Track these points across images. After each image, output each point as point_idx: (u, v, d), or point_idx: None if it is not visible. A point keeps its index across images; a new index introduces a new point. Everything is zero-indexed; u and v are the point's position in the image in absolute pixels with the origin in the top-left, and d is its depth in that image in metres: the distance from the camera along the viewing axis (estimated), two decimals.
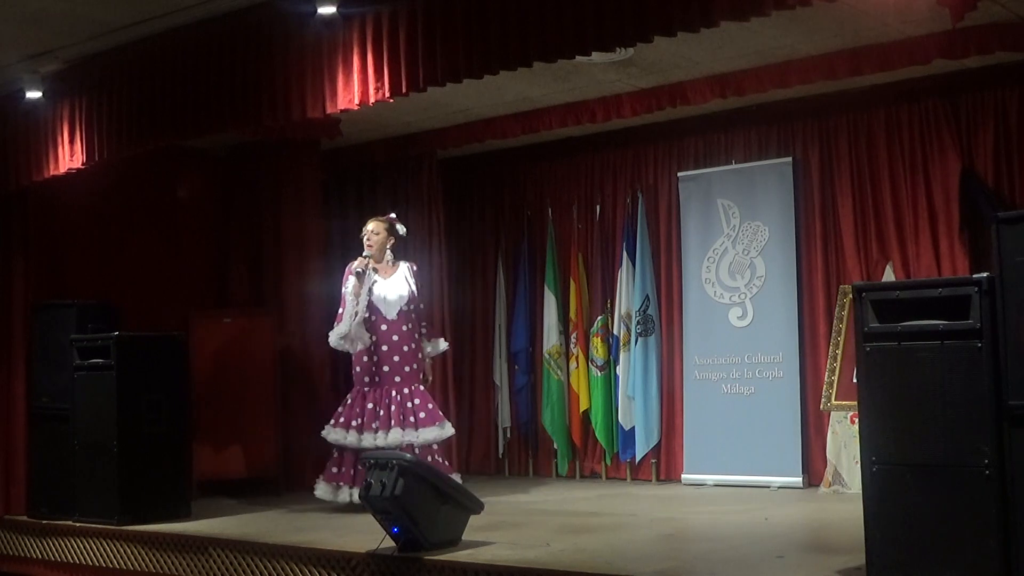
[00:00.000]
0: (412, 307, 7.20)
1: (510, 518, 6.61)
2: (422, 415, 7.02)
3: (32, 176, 7.30)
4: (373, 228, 7.27)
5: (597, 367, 8.76)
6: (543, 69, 6.71)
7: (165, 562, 6.44)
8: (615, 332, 8.71)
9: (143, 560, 6.57)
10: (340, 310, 7.12)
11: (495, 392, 9.46)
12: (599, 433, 8.72)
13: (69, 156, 7.02)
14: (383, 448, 6.73)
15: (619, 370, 8.64)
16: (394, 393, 7.01)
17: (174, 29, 6.41)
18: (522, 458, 9.35)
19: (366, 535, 5.70)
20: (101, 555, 6.84)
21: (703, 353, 8.33)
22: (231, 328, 8.43)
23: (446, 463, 7.26)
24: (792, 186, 8.06)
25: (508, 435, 9.41)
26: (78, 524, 7.02)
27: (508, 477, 9.26)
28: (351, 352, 7.16)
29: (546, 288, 9.13)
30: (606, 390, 8.72)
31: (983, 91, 7.33)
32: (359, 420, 6.99)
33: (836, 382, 7.55)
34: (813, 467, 7.76)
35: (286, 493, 8.19)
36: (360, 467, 6.62)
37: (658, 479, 8.52)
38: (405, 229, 7.46)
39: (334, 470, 7.07)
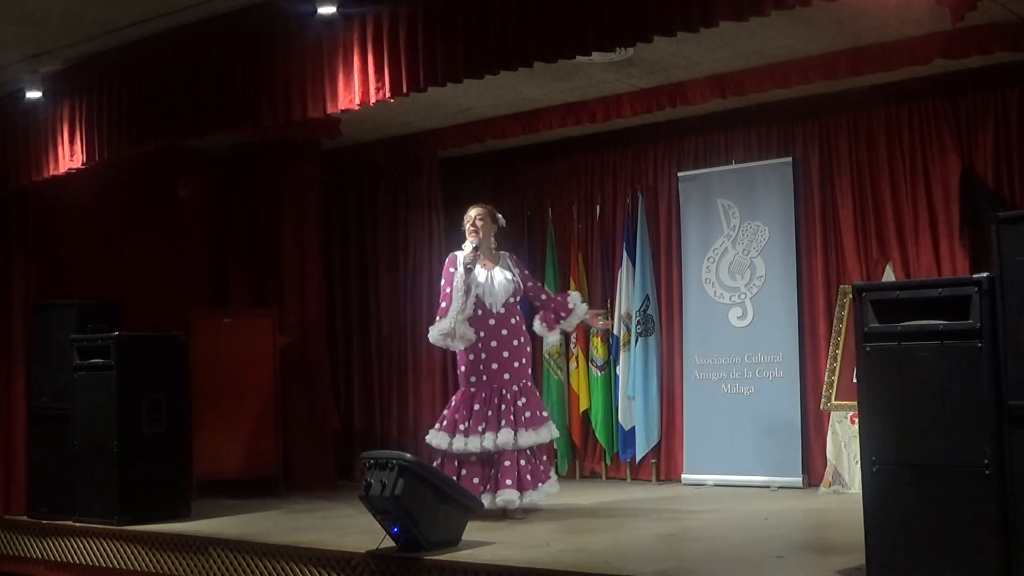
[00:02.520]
0: (519, 299, 6.76)
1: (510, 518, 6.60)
2: (527, 415, 6.56)
3: (32, 176, 7.30)
4: (477, 213, 6.75)
5: (597, 367, 8.76)
6: (543, 69, 6.71)
7: (165, 562, 6.44)
8: (615, 332, 8.70)
9: (143, 560, 6.57)
10: (442, 304, 6.69)
11: None
12: (599, 433, 8.71)
13: (69, 156, 7.02)
14: (488, 450, 6.45)
15: (619, 370, 8.63)
16: (504, 392, 6.57)
17: (174, 29, 6.41)
18: None
19: (366, 535, 5.70)
20: (101, 555, 6.84)
21: (703, 353, 8.32)
22: (231, 328, 8.43)
23: (545, 467, 6.73)
24: (792, 186, 8.05)
25: None
26: (78, 524, 7.03)
27: None
28: (453, 350, 6.77)
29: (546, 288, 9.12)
30: (606, 390, 8.72)
31: (983, 91, 7.33)
32: (466, 424, 6.53)
33: (836, 382, 7.55)
34: (813, 467, 7.76)
35: (286, 493, 8.20)
36: (462, 473, 6.47)
37: (658, 479, 8.51)
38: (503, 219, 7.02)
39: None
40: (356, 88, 5.80)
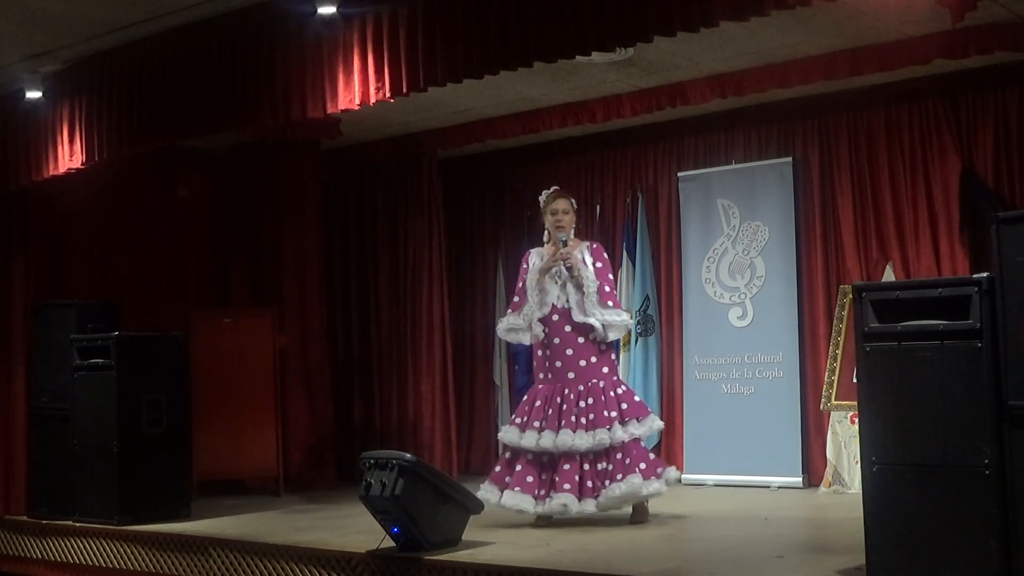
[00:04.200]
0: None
1: (510, 518, 6.60)
2: (590, 416, 6.19)
3: (32, 176, 7.30)
4: (563, 207, 6.45)
5: None
6: (543, 69, 6.71)
7: (165, 562, 6.44)
8: None
9: (143, 560, 6.57)
10: (515, 299, 6.53)
11: (495, 392, 9.46)
12: None
13: (69, 156, 7.01)
14: (546, 449, 6.17)
15: (619, 370, 8.63)
16: (567, 391, 6.28)
17: (174, 29, 6.41)
18: None
19: (366, 535, 5.70)
20: (101, 555, 6.84)
21: (703, 353, 8.33)
22: (231, 328, 8.43)
23: (642, 464, 6.22)
24: (792, 186, 8.06)
25: None
26: (78, 524, 7.02)
27: None
28: (522, 344, 6.59)
29: None
30: None
31: (983, 91, 7.33)
32: (523, 419, 6.31)
33: (836, 382, 7.55)
34: (813, 467, 7.76)
35: (286, 493, 8.20)
36: (516, 469, 6.27)
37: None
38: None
39: (496, 469, 6.44)
40: (356, 88, 5.80)
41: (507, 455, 6.45)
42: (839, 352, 7.60)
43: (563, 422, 6.20)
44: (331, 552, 5.67)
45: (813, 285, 8.01)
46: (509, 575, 5.01)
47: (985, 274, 4.27)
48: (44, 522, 7.27)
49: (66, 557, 7.07)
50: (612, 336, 6.39)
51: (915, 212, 7.55)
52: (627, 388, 6.50)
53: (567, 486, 6.11)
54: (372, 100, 5.78)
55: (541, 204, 6.62)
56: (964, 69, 7.18)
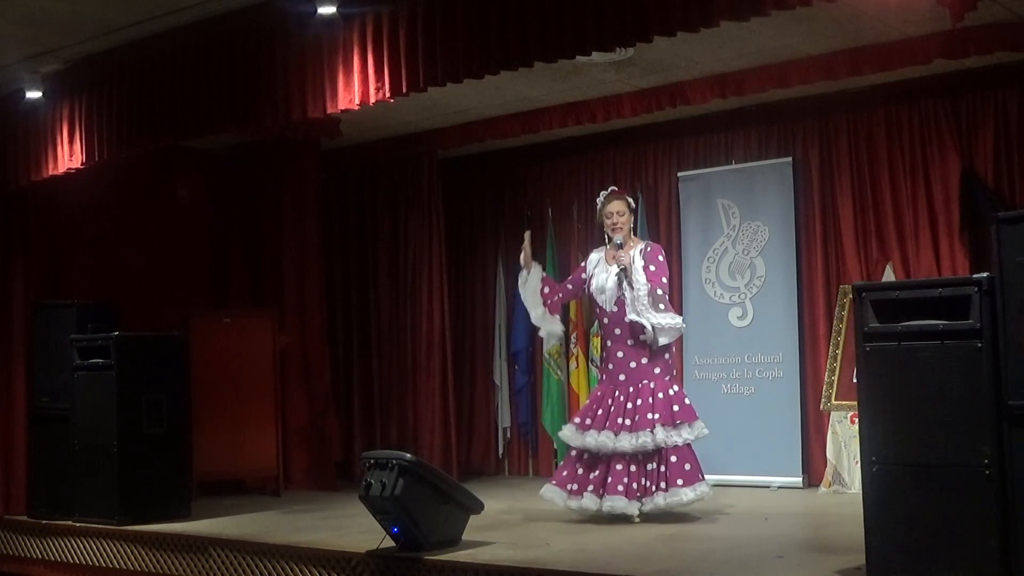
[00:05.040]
0: None
1: (510, 518, 6.61)
2: (635, 418, 6.20)
3: (32, 176, 7.30)
4: (619, 208, 6.40)
5: (597, 367, 8.75)
6: (543, 69, 6.71)
7: (165, 562, 6.45)
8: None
9: (143, 560, 6.57)
10: (568, 285, 6.72)
11: (495, 392, 9.46)
12: None
13: (68, 156, 7.02)
14: (588, 448, 6.25)
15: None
16: (617, 393, 6.31)
17: (174, 29, 6.42)
18: (522, 458, 9.35)
19: (366, 535, 5.71)
20: (101, 555, 6.84)
21: (703, 353, 8.32)
22: (231, 328, 8.43)
23: (687, 466, 6.27)
24: (792, 186, 8.06)
25: (508, 435, 9.42)
26: (78, 524, 7.03)
27: (508, 477, 9.27)
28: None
29: None
30: None
31: (983, 91, 7.34)
32: (582, 419, 6.38)
33: (836, 382, 7.55)
34: (813, 467, 7.76)
35: (286, 493, 8.20)
36: (588, 470, 6.32)
37: None
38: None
39: (563, 473, 6.48)
40: (356, 88, 5.81)
41: (572, 453, 6.52)
42: (839, 352, 7.60)
43: (608, 423, 6.25)
44: (331, 552, 5.67)
45: (813, 285, 8.01)
46: (509, 575, 5.01)
47: (985, 274, 4.27)
48: (44, 522, 7.27)
49: (66, 557, 7.07)
50: (663, 340, 6.32)
51: (915, 212, 7.55)
52: (679, 390, 6.49)
53: (620, 488, 6.18)
54: (372, 100, 5.79)
55: (598, 207, 6.61)
56: (964, 69, 7.18)
